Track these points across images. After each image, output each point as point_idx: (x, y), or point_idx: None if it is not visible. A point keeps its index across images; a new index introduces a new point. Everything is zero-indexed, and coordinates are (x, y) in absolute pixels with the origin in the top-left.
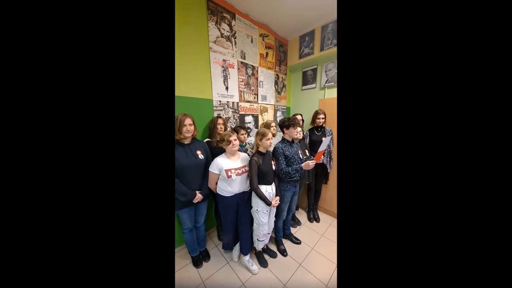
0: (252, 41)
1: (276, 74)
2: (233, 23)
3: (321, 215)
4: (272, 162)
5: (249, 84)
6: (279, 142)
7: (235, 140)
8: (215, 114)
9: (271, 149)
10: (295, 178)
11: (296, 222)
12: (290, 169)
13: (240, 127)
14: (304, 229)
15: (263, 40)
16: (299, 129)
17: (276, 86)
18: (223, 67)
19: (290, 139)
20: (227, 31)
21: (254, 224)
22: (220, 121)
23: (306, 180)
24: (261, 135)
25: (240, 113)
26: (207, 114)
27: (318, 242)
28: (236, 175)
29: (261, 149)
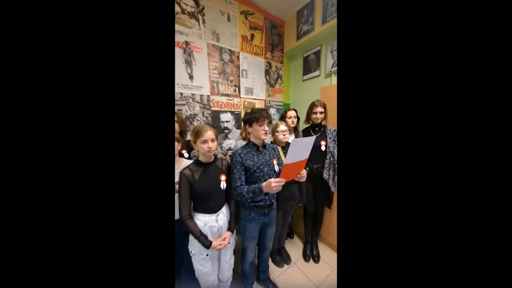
0: (229, 20)
1: (268, 62)
2: None
3: (323, 251)
4: (222, 178)
5: (225, 72)
6: (241, 146)
7: None
8: (175, 110)
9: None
10: (262, 203)
11: (284, 259)
12: (245, 189)
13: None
14: (293, 272)
15: (246, 18)
16: (282, 127)
17: (267, 77)
18: (185, 50)
19: (258, 142)
20: (191, 6)
21: (196, 272)
22: None
23: (297, 201)
24: (194, 136)
25: (212, 109)
26: None
27: None
28: None
29: (202, 157)
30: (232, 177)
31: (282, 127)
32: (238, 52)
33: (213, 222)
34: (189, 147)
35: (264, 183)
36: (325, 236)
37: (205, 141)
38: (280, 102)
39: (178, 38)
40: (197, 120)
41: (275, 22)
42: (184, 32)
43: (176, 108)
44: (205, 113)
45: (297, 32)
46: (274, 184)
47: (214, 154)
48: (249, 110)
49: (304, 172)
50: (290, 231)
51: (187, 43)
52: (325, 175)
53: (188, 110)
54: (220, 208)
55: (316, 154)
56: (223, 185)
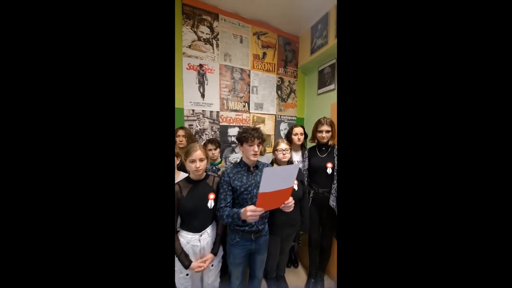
0: (241, 41)
1: (280, 78)
2: (215, 24)
3: (328, 285)
4: (211, 196)
5: (235, 90)
6: (232, 165)
7: None
8: (186, 125)
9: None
10: (247, 228)
11: None
12: (226, 212)
13: (210, 141)
14: None
15: (259, 38)
16: (283, 145)
17: (279, 92)
18: (199, 72)
19: (249, 162)
20: (207, 34)
21: None
22: (180, 132)
23: (297, 227)
24: (184, 154)
25: (221, 124)
26: (175, 125)
27: None
28: None
29: (192, 175)
30: (218, 197)
31: (283, 145)
32: (249, 70)
33: (195, 242)
34: None
35: (242, 209)
36: (333, 271)
37: (193, 161)
38: (293, 116)
39: (194, 62)
40: (206, 134)
41: (289, 39)
42: (199, 56)
43: (188, 123)
44: (213, 127)
45: (311, 47)
46: (249, 213)
47: (217, 169)
48: (241, 130)
49: (290, 202)
50: (294, 259)
51: (201, 65)
52: (332, 202)
53: (198, 125)
54: (204, 228)
55: (322, 177)
56: (210, 204)
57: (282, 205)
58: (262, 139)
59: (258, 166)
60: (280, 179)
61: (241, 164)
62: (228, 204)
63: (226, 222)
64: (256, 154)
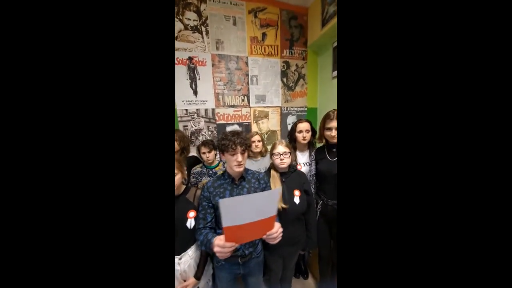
0: (235, 23)
1: (285, 62)
2: (202, 7)
3: None
4: (191, 214)
5: (232, 82)
6: (214, 177)
7: None
8: (180, 126)
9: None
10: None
11: None
12: (202, 237)
13: (203, 143)
14: None
15: (256, 17)
16: (280, 148)
17: (284, 80)
18: (189, 66)
19: (234, 174)
20: (194, 20)
21: None
22: None
23: (299, 246)
24: None
25: (218, 122)
26: None
27: None
28: None
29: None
30: (197, 215)
31: (280, 148)
32: (247, 57)
33: (175, 266)
34: (190, 163)
35: (214, 239)
36: None
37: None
38: (303, 107)
39: (182, 55)
40: (202, 135)
41: (294, 12)
42: (188, 48)
43: (182, 124)
44: (210, 127)
45: (322, 17)
46: (217, 248)
47: (213, 173)
48: (221, 135)
49: (274, 233)
50: (304, 269)
51: (190, 58)
52: None
53: (193, 126)
54: (184, 250)
55: (332, 186)
56: (190, 223)
57: (265, 236)
58: (246, 145)
59: (245, 178)
60: (251, 210)
61: (225, 175)
62: (208, 224)
63: (201, 248)
64: (241, 164)
